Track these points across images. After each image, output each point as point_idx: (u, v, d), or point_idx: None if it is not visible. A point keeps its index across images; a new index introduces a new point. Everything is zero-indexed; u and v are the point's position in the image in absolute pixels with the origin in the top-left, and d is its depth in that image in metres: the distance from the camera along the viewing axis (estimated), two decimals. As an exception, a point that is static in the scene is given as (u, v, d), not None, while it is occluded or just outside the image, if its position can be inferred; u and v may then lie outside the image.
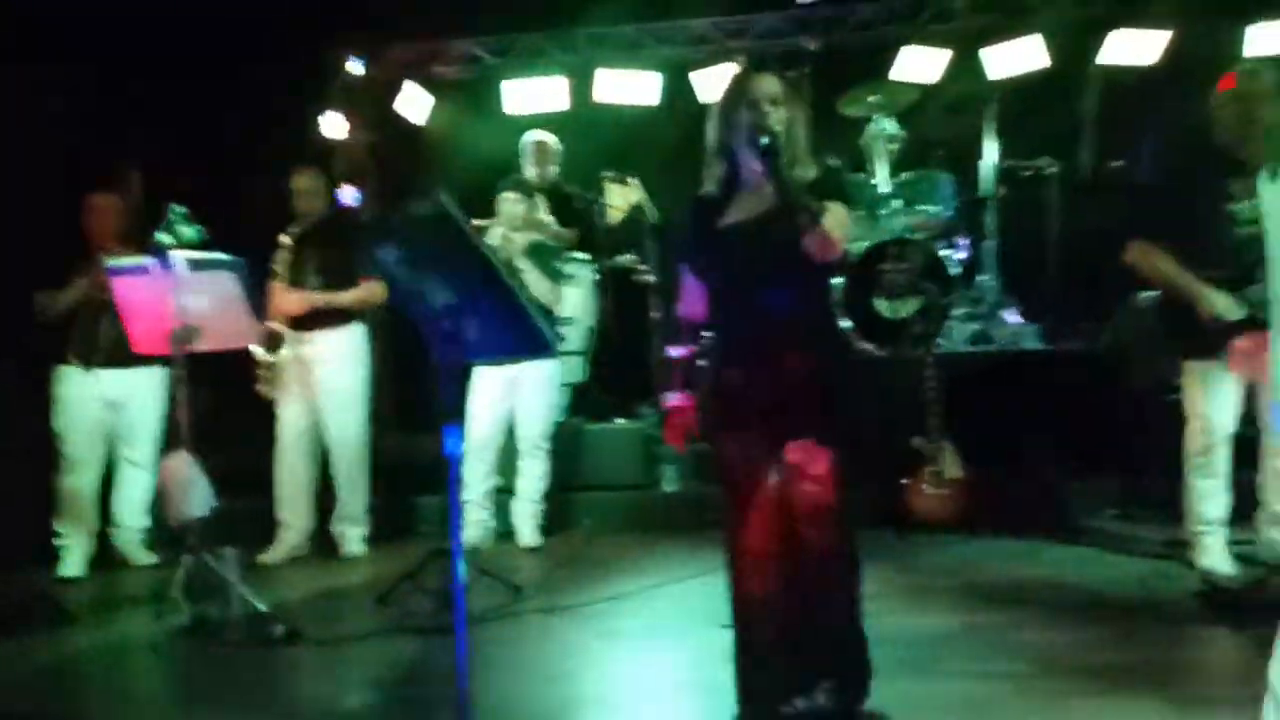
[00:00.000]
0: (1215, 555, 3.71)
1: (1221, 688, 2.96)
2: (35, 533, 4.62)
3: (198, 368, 3.87)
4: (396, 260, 2.51)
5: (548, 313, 4.75)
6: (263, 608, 3.70)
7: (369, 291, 4.73)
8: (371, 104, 6.92)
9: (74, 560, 4.63)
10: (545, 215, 5.66)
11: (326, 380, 4.77)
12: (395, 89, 6.74)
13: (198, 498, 3.71)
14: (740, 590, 2.61)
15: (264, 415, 4.90)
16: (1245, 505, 3.81)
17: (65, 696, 3.28)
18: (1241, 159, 3.51)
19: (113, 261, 4.12)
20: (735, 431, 2.57)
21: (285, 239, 4.72)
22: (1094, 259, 4.94)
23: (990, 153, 5.74)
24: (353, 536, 4.88)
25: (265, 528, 4.83)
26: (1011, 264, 5.81)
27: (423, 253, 2.40)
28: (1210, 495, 3.71)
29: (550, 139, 6.02)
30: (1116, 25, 6.15)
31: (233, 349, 4.07)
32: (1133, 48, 6.11)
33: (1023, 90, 6.19)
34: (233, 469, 4.71)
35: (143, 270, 3.79)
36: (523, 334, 2.38)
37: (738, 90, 2.58)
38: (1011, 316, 5.61)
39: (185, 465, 3.73)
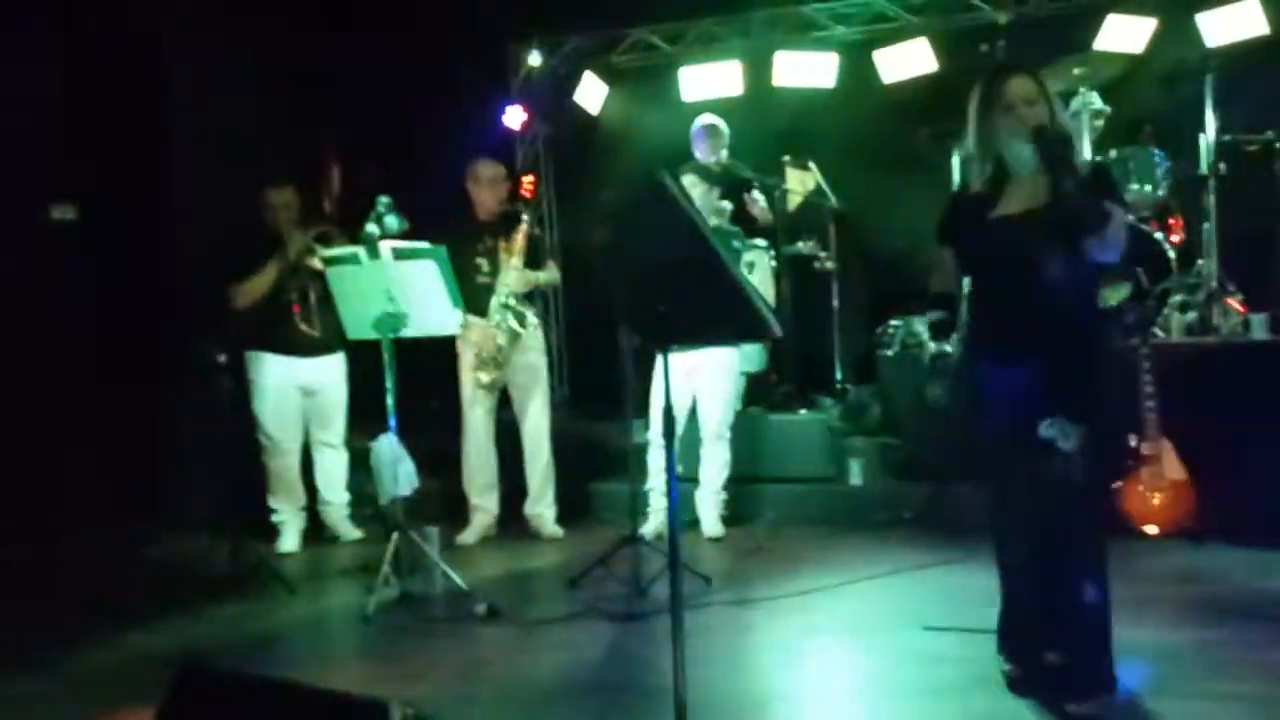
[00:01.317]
0: None
1: None
2: (256, 510, 4.90)
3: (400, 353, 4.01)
4: (611, 242, 2.48)
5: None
6: (464, 585, 3.79)
7: (551, 274, 4.94)
8: (550, 95, 7.01)
9: (290, 535, 4.92)
10: (724, 202, 5.59)
11: (520, 364, 4.85)
12: (573, 80, 6.81)
13: (404, 477, 3.83)
14: (999, 557, 2.76)
15: (447, 400, 5.05)
16: None
17: (286, 662, 3.45)
18: None
19: (325, 251, 4.31)
20: (992, 413, 2.66)
21: (524, 224, 4.78)
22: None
23: (1209, 127, 5.27)
24: (548, 519, 4.97)
25: (457, 509, 4.96)
26: (1234, 247, 5.32)
27: (642, 235, 2.36)
28: None
29: (719, 122, 5.94)
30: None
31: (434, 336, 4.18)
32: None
33: (1242, 58, 5.66)
34: (424, 452, 4.92)
35: (354, 260, 3.94)
36: (745, 317, 2.31)
37: (990, 94, 2.63)
38: (1236, 304, 5.14)
39: (393, 446, 3.86)
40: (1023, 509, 2.60)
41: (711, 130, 5.95)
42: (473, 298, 4.79)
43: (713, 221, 4.81)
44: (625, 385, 4.42)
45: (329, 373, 4.92)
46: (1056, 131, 2.53)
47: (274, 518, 4.92)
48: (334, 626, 3.88)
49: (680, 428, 4.85)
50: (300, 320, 4.78)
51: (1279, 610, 3.48)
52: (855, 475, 5.19)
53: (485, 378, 4.78)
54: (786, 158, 5.97)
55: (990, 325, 2.71)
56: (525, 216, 4.75)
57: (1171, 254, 5.13)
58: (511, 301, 4.74)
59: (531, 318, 4.88)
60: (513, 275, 4.74)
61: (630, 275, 2.44)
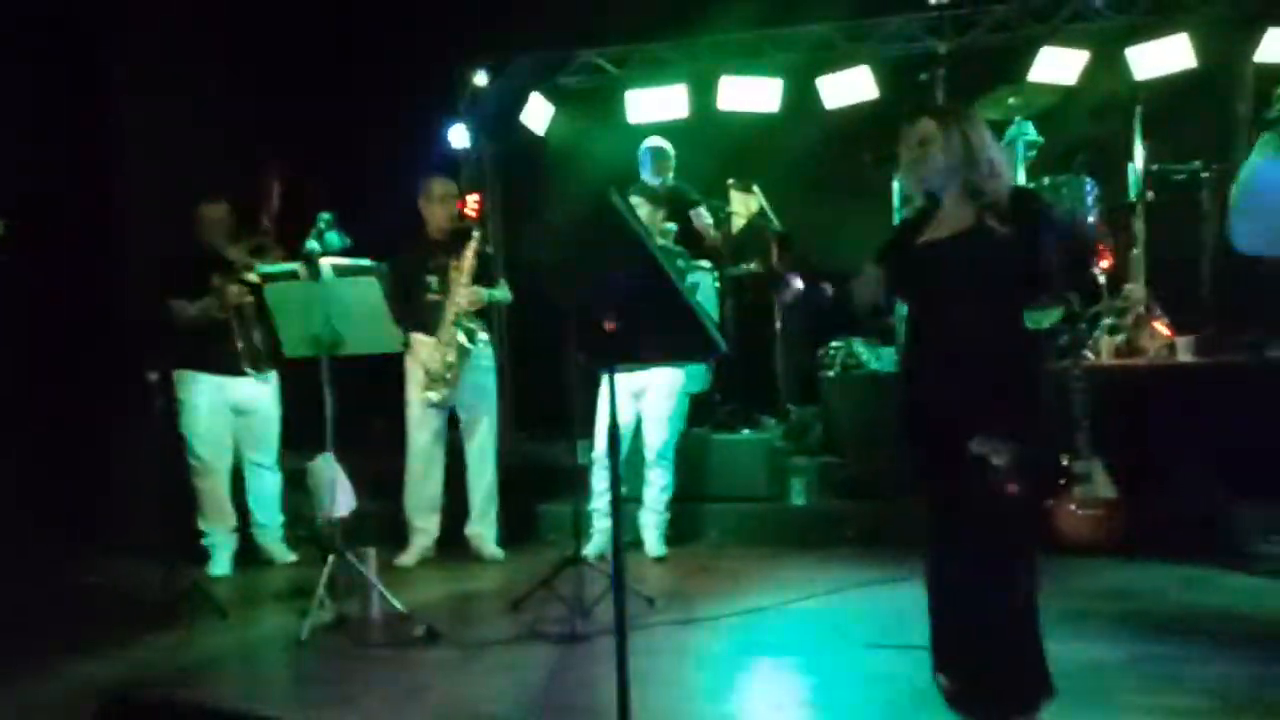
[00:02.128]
0: None
1: None
2: (185, 533, 4.77)
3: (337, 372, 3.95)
4: (556, 262, 2.48)
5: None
6: (402, 608, 3.73)
7: (505, 292, 4.90)
8: (496, 115, 7.00)
9: (222, 558, 4.80)
10: (669, 223, 5.63)
11: (468, 383, 4.81)
12: (520, 100, 6.81)
13: (342, 498, 3.76)
14: (930, 573, 2.72)
15: (389, 419, 4.99)
16: None
17: (218, 689, 3.35)
18: None
19: (262, 268, 4.24)
20: (926, 437, 2.67)
21: (473, 244, 4.76)
22: (1253, 265, 4.64)
23: (1137, 156, 5.45)
24: (489, 539, 4.92)
25: (397, 531, 4.89)
26: (1161, 272, 5.50)
27: (588, 254, 2.36)
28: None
29: (666, 145, 5.99)
30: (1273, 22, 5.78)
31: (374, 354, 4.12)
32: (1292, 44, 5.72)
33: (1171, 91, 5.88)
34: (364, 472, 4.84)
35: (292, 276, 3.88)
36: (691, 335, 2.32)
37: (904, 136, 2.73)
38: (1163, 327, 5.30)
39: (330, 466, 3.79)
40: (954, 526, 2.62)
41: (658, 153, 6.01)
42: (422, 315, 4.77)
43: (658, 242, 4.84)
44: (571, 405, 4.41)
45: (263, 392, 4.84)
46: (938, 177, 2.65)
47: (205, 540, 4.81)
48: (268, 651, 3.78)
49: (624, 448, 4.85)
50: (235, 337, 4.69)
51: (1208, 625, 3.58)
52: (797, 494, 5.22)
53: (435, 396, 4.73)
54: (731, 180, 6.04)
55: (918, 345, 2.76)
56: (475, 233, 4.73)
57: (1101, 279, 5.28)
58: (463, 319, 4.71)
59: (482, 335, 4.85)
60: (463, 292, 4.71)
61: (578, 295, 2.43)
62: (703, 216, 5.87)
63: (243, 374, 4.75)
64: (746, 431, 5.57)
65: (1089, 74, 5.99)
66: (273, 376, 4.86)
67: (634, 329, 2.34)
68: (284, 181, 5.04)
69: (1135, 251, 5.43)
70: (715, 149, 6.55)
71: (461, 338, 4.70)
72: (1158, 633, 3.49)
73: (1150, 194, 5.42)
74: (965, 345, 2.58)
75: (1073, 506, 4.44)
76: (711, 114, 6.63)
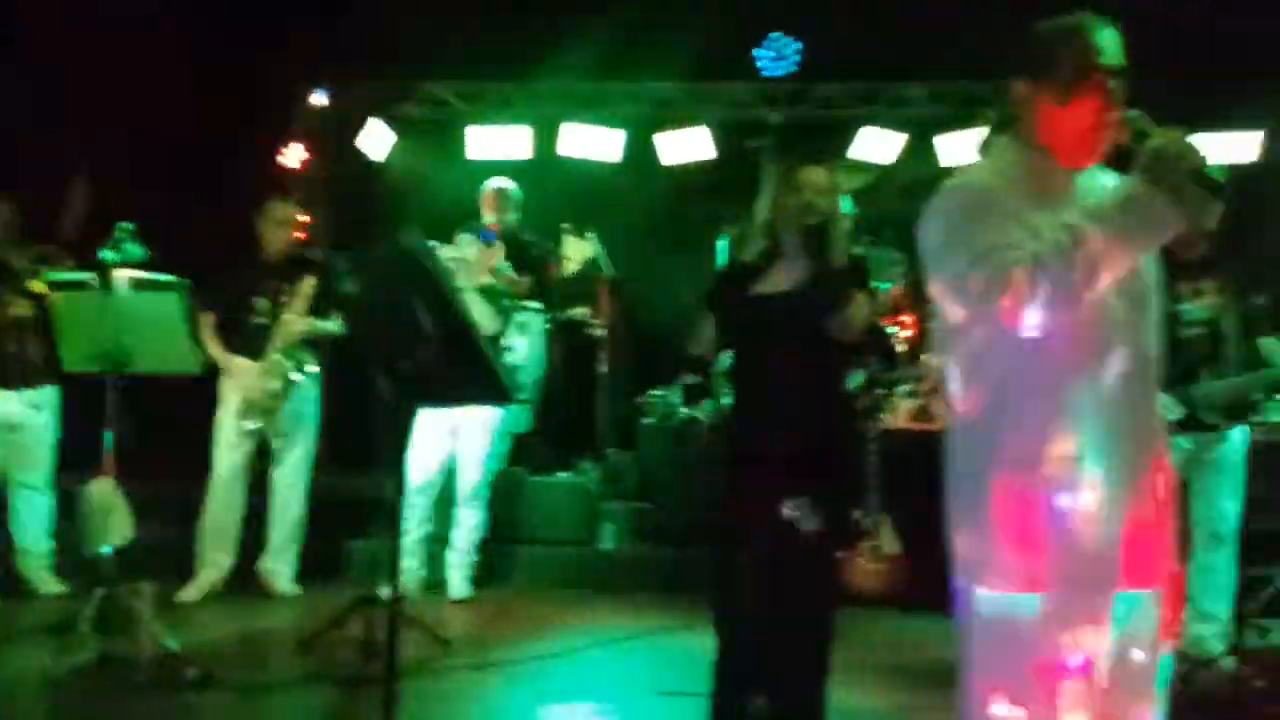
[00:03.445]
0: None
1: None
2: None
3: (128, 391, 3.74)
4: (359, 295, 2.46)
5: (493, 341, 4.72)
6: (175, 647, 3.53)
7: (335, 324, 4.67)
8: (333, 138, 6.87)
9: (-25, 586, 4.40)
10: (501, 261, 5.64)
11: (288, 413, 4.63)
12: (358, 124, 6.71)
13: (117, 527, 3.54)
14: (722, 641, 2.75)
15: (189, 445, 4.74)
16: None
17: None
18: (1188, 261, 3.64)
19: (50, 275, 3.98)
20: (742, 485, 2.73)
21: (310, 278, 4.59)
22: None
23: (941, 236, 5.89)
24: (284, 576, 4.72)
25: (184, 562, 4.63)
26: (955, 345, 5.93)
27: (388, 290, 2.36)
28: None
29: (511, 186, 6.02)
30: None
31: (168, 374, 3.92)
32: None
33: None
34: (153, 500, 4.57)
35: (82, 286, 3.66)
36: (483, 380, 2.35)
37: (790, 177, 2.79)
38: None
39: (108, 492, 3.57)
40: (754, 583, 2.65)
41: (499, 193, 6.02)
42: (246, 339, 4.59)
43: (485, 280, 4.83)
44: (381, 439, 4.32)
45: (34, 408, 4.50)
46: (821, 225, 2.69)
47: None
48: (19, 691, 3.48)
49: (438, 485, 4.79)
50: (20, 344, 4.37)
51: (969, 677, 3.84)
52: (607, 539, 5.29)
53: (251, 424, 4.54)
54: (565, 225, 6.12)
55: (744, 400, 2.79)
56: (313, 269, 4.57)
57: (898, 347, 5.64)
58: (292, 349, 4.55)
59: (312, 366, 4.69)
60: (296, 322, 4.55)
61: (381, 331, 2.42)
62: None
63: (15, 386, 4.41)
64: (563, 474, 5.61)
65: (903, 156, 6.46)
66: (48, 392, 4.53)
67: (431, 369, 2.34)
68: (90, 187, 4.77)
69: (933, 323, 5.83)
70: (555, 193, 6.64)
71: (289, 368, 4.53)
72: (923, 683, 3.71)
73: (949, 271, 5.85)
74: (789, 401, 2.63)
75: (860, 560, 4.69)
76: (553, 158, 6.74)
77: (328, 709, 3.35)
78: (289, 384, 4.54)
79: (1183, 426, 3.53)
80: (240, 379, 4.53)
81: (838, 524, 2.68)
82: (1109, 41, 1.80)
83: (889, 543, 4.70)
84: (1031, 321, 1.68)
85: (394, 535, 2.43)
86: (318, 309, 4.62)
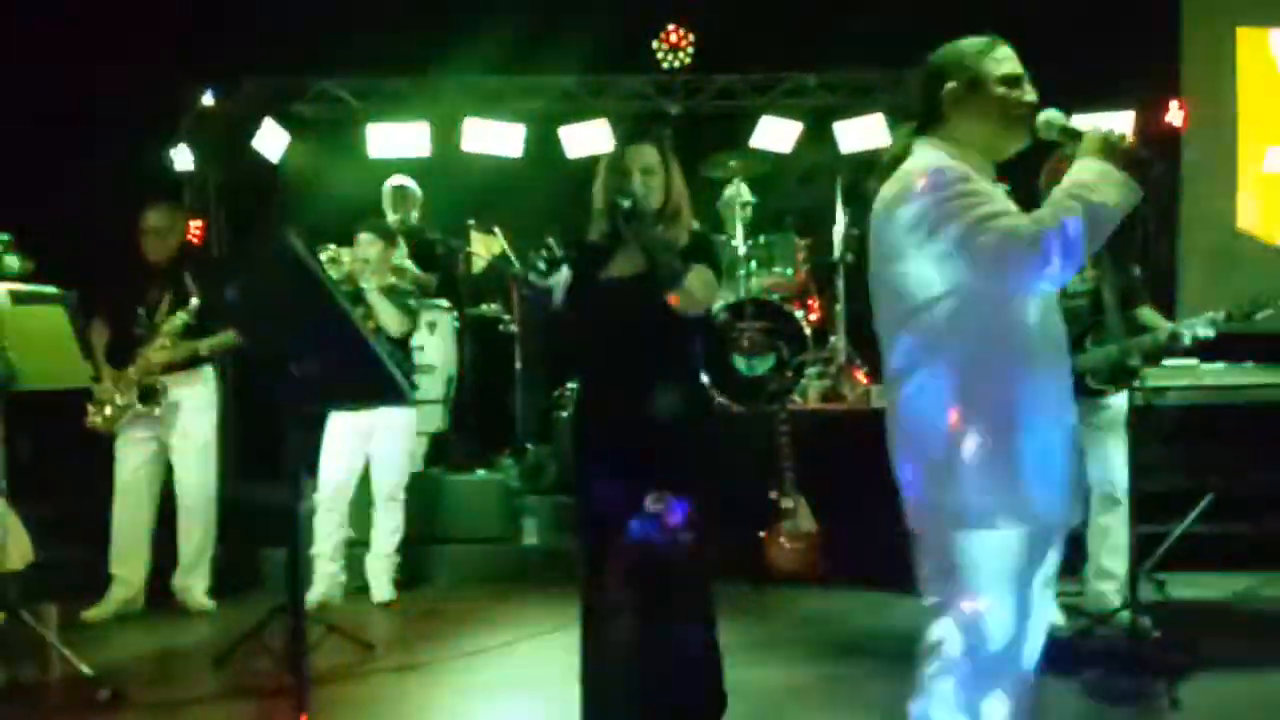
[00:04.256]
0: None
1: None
2: None
3: (19, 409, 3.58)
4: (242, 301, 2.40)
5: (401, 344, 4.67)
6: (85, 669, 3.41)
7: (225, 337, 4.52)
8: (224, 138, 6.66)
9: None
10: (405, 260, 5.58)
11: (179, 426, 4.50)
12: (251, 124, 6.52)
13: (16, 549, 3.40)
14: (594, 642, 2.66)
15: (92, 461, 4.57)
16: (1075, 559, 4.08)
17: None
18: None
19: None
20: (597, 481, 2.64)
21: (194, 301, 4.40)
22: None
23: (839, 220, 6.05)
24: (197, 591, 4.58)
25: (95, 582, 4.46)
26: (860, 326, 6.10)
27: (269, 294, 2.30)
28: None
29: (411, 184, 5.96)
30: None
31: (58, 389, 3.77)
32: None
33: (870, 163, 6.57)
34: (57, 518, 4.39)
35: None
36: (375, 380, 2.31)
37: (614, 157, 2.76)
38: (861, 375, 5.88)
39: (1, 515, 3.42)
40: (624, 583, 2.58)
41: (400, 191, 5.95)
42: (128, 348, 4.42)
43: (389, 280, 4.77)
44: (286, 446, 4.22)
45: None
46: (630, 204, 2.57)
47: None
48: (-84, 727, 3.33)
49: (353, 489, 4.72)
50: None
51: (887, 647, 3.94)
52: (530, 534, 5.29)
53: (94, 420, 4.37)
54: (472, 221, 6.08)
55: (593, 389, 2.73)
56: (193, 301, 4.38)
57: (807, 330, 5.77)
58: (148, 377, 4.40)
59: (187, 388, 4.51)
60: (159, 351, 4.40)
61: (264, 335, 2.36)
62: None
63: None
64: (481, 472, 5.58)
65: (801, 144, 6.60)
66: None
67: (319, 371, 2.28)
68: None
69: (838, 307, 6.00)
70: (459, 189, 6.58)
71: (133, 397, 4.38)
72: (844, 654, 3.84)
73: (850, 255, 6.01)
74: (641, 388, 2.57)
75: (779, 538, 4.80)
76: (455, 154, 6.67)
77: (248, 721, 3.28)
78: (148, 399, 4.40)
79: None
80: (105, 382, 4.37)
81: (701, 515, 2.60)
82: (1009, 53, 2.10)
83: (805, 521, 4.83)
84: (1041, 280, 1.92)
85: (294, 542, 2.36)
86: (200, 323, 4.45)
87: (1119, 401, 3.76)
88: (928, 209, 1.94)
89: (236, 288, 2.30)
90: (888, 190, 2.04)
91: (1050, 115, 2.06)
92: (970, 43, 2.10)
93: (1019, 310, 1.99)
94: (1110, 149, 1.95)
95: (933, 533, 2.08)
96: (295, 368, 2.20)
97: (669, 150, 2.79)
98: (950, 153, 2.03)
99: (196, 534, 4.57)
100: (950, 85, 2.05)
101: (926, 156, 2.03)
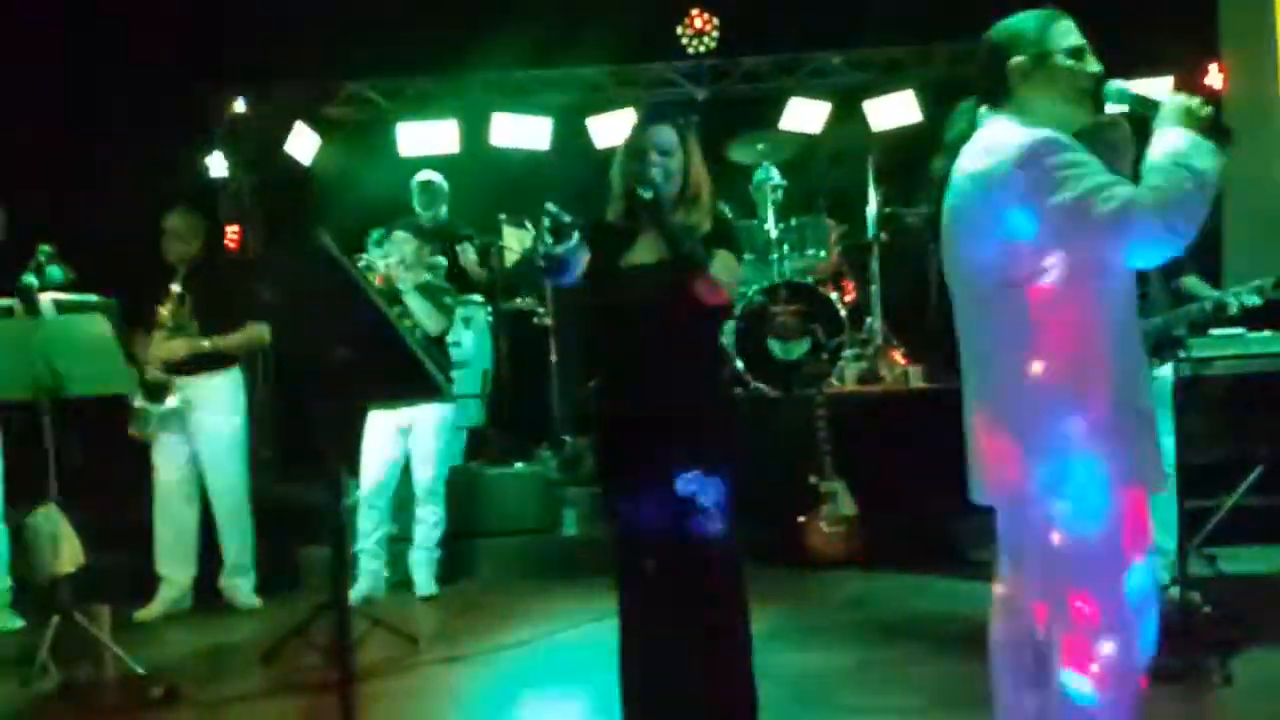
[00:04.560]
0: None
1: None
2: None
3: (69, 415, 3.67)
4: (279, 302, 2.43)
5: (438, 342, 4.70)
6: (139, 668, 3.49)
7: (253, 335, 4.57)
8: (257, 144, 6.76)
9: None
10: (438, 257, 5.62)
11: (205, 426, 4.56)
12: (283, 129, 6.61)
13: (67, 553, 3.48)
14: (628, 630, 2.65)
15: (140, 465, 4.67)
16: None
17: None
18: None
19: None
20: (626, 469, 2.60)
21: (174, 287, 4.50)
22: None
23: (872, 200, 5.98)
24: (244, 589, 4.65)
25: (144, 583, 4.56)
26: (895, 306, 6.04)
27: (306, 295, 2.33)
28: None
29: (437, 178, 5.99)
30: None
31: (105, 395, 3.85)
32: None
33: (901, 141, 6.51)
34: (108, 522, 4.48)
35: (7, 314, 3.57)
36: (412, 377, 2.33)
37: (631, 139, 2.69)
38: (899, 356, 5.82)
39: (53, 519, 3.50)
40: (662, 572, 2.53)
41: (427, 186, 5.99)
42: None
43: (424, 277, 4.81)
44: (327, 445, 4.27)
45: None
46: (650, 194, 2.52)
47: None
48: (-19, 728, 3.43)
49: (394, 485, 4.77)
50: None
51: (931, 628, 3.94)
52: (569, 525, 5.31)
53: (131, 428, 4.45)
54: (503, 215, 6.11)
55: (615, 378, 2.66)
56: (174, 287, 4.42)
57: (842, 312, 5.72)
58: (154, 373, 4.43)
59: (212, 388, 4.55)
60: (161, 346, 4.44)
61: (302, 336, 2.39)
62: (467, 252, 5.88)
63: None
64: (520, 465, 5.61)
65: (830, 124, 6.53)
66: None
67: (356, 371, 2.30)
68: (7, 212, 4.64)
69: (873, 287, 5.94)
70: (488, 184, 6.61)
71: (139, 397, 4.40)
72: (886, 637, 3.81)
73: (884, 235, 5.95)
74: (665, 376, 2.53)
75: (819, 523, 4.78)
76: (484, 149, 6.71)
77: (294, 716, 3.33)
78: (155, 395, 4.43)
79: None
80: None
81: (730, 497, 2.53)
82: (1072, 25, 2.08)
83: (845, 505, 4.79)
84: (1160, 249, 1.92)
85: (338, 539, 2.38)
86: (227, 321, 4.49)
87: (1165, 373, 3.68)
88: (1039, 180, 1.92)
89: (273, 288, 2.34)
90: (976, 165, 2.01)
91: (1121, 85, 2.05)
92: (1032, 15, 2.09)
93: (1123, 279, 2.02)
94: (1193, 117, 1.94)
95: (1044, 502, 2.04)
96: (332, 366, 2.22)
97: (690, 133, 2.72)
98: (1025, 125, 2.01)
99: (235, 534, 4.62)
100: (1017, 60, 2.03)
101: (1013, 130, 2.00)
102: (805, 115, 6.50)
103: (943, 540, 4.91)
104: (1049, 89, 2.03)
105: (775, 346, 5.51)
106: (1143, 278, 3.65)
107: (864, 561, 4.73)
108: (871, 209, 5.93)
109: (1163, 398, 3.70)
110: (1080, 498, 2.00)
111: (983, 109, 2.08)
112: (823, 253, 5.98)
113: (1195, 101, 1.96)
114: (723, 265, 2.57)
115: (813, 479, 4.82)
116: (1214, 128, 1.93)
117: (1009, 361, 2.02)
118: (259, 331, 4.57)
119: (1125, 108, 2.05)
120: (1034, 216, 1.94)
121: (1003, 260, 1.99)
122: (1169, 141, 1.93)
